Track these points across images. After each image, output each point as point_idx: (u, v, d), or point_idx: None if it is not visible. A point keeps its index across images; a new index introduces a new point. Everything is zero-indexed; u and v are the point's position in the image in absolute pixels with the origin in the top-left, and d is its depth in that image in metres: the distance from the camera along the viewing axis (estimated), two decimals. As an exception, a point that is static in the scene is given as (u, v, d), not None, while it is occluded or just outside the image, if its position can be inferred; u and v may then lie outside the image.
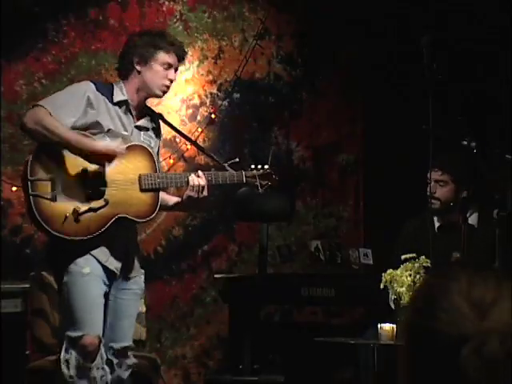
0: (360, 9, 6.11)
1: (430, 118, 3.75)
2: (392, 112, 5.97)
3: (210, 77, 6.02)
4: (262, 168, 3.87)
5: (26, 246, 5.41)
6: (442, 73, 3.73)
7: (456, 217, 4.35)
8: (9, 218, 5.41)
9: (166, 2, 5.89)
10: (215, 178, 3.77)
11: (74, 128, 3.57)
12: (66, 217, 3.52)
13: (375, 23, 6.09)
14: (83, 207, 3.56)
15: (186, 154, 5.89)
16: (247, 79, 6.12)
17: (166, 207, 3.92)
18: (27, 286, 4.84)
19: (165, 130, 4.08)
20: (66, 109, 3.57)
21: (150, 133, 3.84)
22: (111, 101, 3.68)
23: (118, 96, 3.71)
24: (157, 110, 4.03)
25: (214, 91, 6.03)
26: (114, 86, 3.74)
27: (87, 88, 3.65)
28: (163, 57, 3.72)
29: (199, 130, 5.95)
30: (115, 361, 3.72)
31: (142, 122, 3.79)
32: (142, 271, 3.85)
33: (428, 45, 3.78)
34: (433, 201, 4.44)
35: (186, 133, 5.73)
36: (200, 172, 3.76)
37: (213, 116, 5.98)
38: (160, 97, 3.87)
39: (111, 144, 3.60)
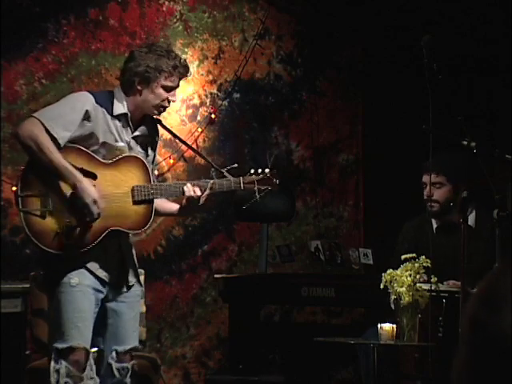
0: (360, 9, 6.11)
1: (430, 117, 3.74)
2: (392, 112, 5.97)
3: (210, 77, 6.02)
4: (262, 172, 3.75)
5: (25, 246, 5.41)
6: (442, 73, 3.73)
7: (454, 217, 4.33)
8: (9, 218, 5.41)
9: (166, 2, 5.89)
10: (211, 187, 3.68)
11: (68, 141, 3.51)
12: (57, 232, 3.49)
13: (375, 23, 6.09)
14: (75, 222, 3.51)
15: (185, 154, 5.89)
16: (247, 79, 6.12)
17: (167, 214, 3.91)
18: (27, 286, 4.84)
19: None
20: (62, 123, 3.49)
21: (148, 140, 3.77)
22: (111, 113, 3.61)
23: (119, 109, 3.63)
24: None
25: (214, 91, 6.03)
26: (115, 97, 3.65)
27: (86, 101, 3.57)
28: (166, 81, 3.63)
29: (199, 130, 5.95)
30: (116, 365, 3.68)
31: (139, 131, 3.71)
32: (142, 271, 3.83)
33: (428, 45, 3.77)
34: (432, 204, 4.42)
35: (186, 133, 5.77)
36: (195, 183, 3.69)
37: (213, 116, 5.98)
38: (157, 115, 3.77)
39: (91, 194, 3.50)
